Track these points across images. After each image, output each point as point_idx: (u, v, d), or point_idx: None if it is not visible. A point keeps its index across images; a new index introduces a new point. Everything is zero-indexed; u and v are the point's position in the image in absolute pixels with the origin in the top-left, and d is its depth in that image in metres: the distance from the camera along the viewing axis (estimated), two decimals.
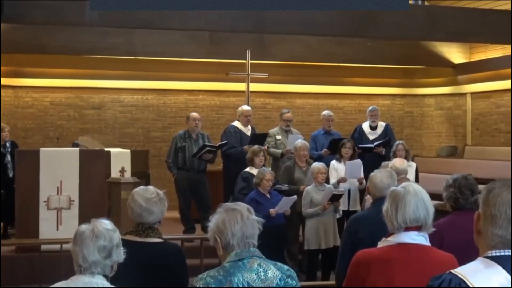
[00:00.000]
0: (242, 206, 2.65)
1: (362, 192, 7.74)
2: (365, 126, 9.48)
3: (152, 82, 12.41)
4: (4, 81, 11.30)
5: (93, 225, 2.75)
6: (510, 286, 1.78)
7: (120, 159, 8.17)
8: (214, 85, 12.56)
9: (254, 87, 10.82)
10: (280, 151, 8.71)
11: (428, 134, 14.01)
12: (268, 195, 7.06)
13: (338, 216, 7.52)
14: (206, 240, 7.04)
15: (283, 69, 12.52)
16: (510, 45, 10.23)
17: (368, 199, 5.61)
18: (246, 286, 2.52)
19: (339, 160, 8.15)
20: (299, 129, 9.77)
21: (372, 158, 8.65)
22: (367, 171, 5.71)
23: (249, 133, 8.94)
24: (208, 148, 8.55)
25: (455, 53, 13.02)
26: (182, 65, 12.17)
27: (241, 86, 10.89)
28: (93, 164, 7.68)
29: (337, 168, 8.08)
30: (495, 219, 1.84)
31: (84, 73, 12.05)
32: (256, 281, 2.53)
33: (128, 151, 8.72)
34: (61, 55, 11.43)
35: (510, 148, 10.71)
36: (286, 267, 2.67)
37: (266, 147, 8.53)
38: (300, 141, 8.09)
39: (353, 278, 2.92)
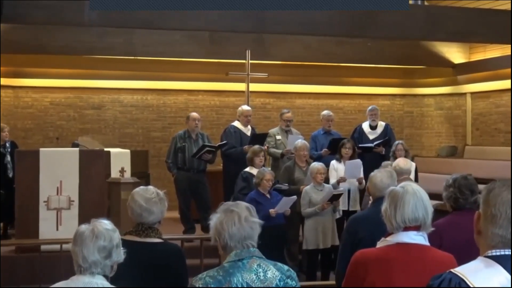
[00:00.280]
0: (241, 207, 2.63)
1: (362, 192, 7.74)
2: (365, 126, 9.47)
3: (152, 82, 12.41)
4: (4, 81, 11.30)
5: (93, 225, 2.75)
6: (510, 285, 1.78)
7: (120, 159, 8.17)
8: (214, 85, 12.56)
9: (254, 87, 10.82)
10: (280, 151, 8.71)
11: (428, 134, 14.01)
12: (268, 195, 7.06)
13: (338, 216, 7.52)
14: (206, 240, 7.10)
15: (283, 69, 12.52)
16: (509, 45, 10.24)
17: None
18: (245, 287, 2.52)
19: (339, 160, 8.15)
20: (299, 129, 9.77)
21: (372, 158, 8.65)
22: (367, 171, 5.70)
23: (249, 133, 8.94)
24: (207, 148, 8.54)
25: (454, 53, 13.03)
26: (182, 65, 12.17)
27: (241, 86, 10.89)
28: (93, 164, 7.68)
29: (337, 168, 8.08)
30: (495, 218, 1.84)
31: (84, 73, 12.05)
32: (255, 281, 2.53)
33: (128, 151, 8.71)
34: (61, 55, 11.43)
35: (509, 148, 10.71)
36: (286, 267, 2.66)
37: (266, 147, 8.52)
38: (300, 141, 8.09)
39: (352, 278, 2.92)
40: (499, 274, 1.79)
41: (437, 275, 1.88)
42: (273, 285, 2.56)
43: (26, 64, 11.68)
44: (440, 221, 4.01)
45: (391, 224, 2.84)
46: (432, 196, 6.68)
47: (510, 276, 1.78)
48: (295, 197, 7.19)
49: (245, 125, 9.02)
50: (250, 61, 10.32)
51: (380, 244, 2.88)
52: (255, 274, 2.54)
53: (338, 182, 7.83)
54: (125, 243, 2.88)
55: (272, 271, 2.58)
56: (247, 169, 7.60)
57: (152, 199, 3.46)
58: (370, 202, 6.46)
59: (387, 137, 9.10)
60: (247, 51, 10.28)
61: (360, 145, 8.87)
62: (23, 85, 11.99)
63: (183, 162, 8.69)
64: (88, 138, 10.28)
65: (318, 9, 9.02)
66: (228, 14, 9.00)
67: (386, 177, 4.27)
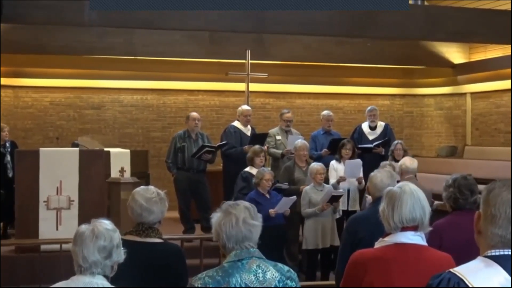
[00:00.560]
0: (240, 209, 2.62)
1: (362, 192, 7.74)
2: (365, 126, 9.47)
3: (152, 82, 12.41)
4: (4, 81, 11.30)
5: (93, 225, 2.75)
6: (509, 285, 1.78)
7: (120, 159, 8.17)
8: (214, 85, 12.57)
9: (253, 87, 10.82)
10: (280, 151, 8.71)
11: (428, 134, 14.02)
12: (267, 195, 7.06)
13: (337, 216, 7.52)
14: (205, 240, 7.11)
15: (283, 69, 12.52)
16: (510, 45, 10.24)
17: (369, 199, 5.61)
18: (244, 287, 2.52)
19: (338, 160, 8.15)
20: (299, 129, 9.76)
21: (372, 158, 8.65)
22: (367, 172, 5.70)
23: (249, 133, 8.94)
24: (207, 149, 8.54)
25: (454, 53, 13.03)
26: (182, 65, 12.17)
27: (240, 86, 10.89)
28: (93, 164, 7.68)
29: (337, 168, 8.08)
30: (495, 218, 1.84)
31: (84, 73, 12.05)
32: (254, 282, 2.53)
33: (127, 151, 8.71)
34: (61, 55, 11.43)
35: (509, 148, 10.72)
36: (286, 268, 2.66)
37: (266, 147, 8.52)
38: (300, 141, 8.09)
39: (350, 278, 2.92)
40: (498, 274, 1.79)
41: (436, 275, 1.88)
42: (272, 286, 2.56)
43: (26, 64, 11.68)
44: (440, 221, 4.01)
45: (389, 225, 2.84)
46: (432, 196, 6.69)
47: (509, 276, 1.78)
48: (294, 197, 7.19)
49: (245, 125, 9.02)
50: (250, 61, 10.33)
51: (378, 244, 2.89)
52: (254, 275, 2.54)
53: (338, 181, 7.84)
54: (125, 243, 2.87)
55: (272, 272, 2.58)
56: (247, 169, 7.60)
57: (153, 198, 3.46)
58: (367, 202, 6.50)
59: (386, 138, 9.09)
60: (247, 51, 10.28)
61: (359, 146, 8.86)
62: (23, 85, 11.99)
63: (183, 162, 8.68)
64: (88, 138, 10.28)
65: (318, 9, 9.02)
66: (228, 14, 9.01)
67: (386, 177, 4.27)
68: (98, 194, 7.58)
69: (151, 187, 3.59)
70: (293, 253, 7.79)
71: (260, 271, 2.55)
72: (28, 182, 7.45)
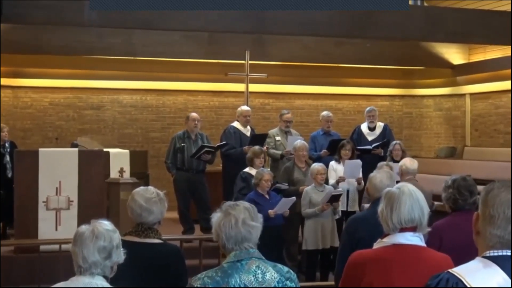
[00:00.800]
0: (239, 210, 2.62)
1: (361, 192, 7.74)
2: (364, 127, 9.47)
3: (151, 83, 12.41)
4: (3, 81, 11.30)
5: (93, 225, 2.75)
6: (508, 286, 1.78)
7: (119, 160, 8.16)
8: (213, 85, 12.57)
9: (253, 87, 10.82)
10: (279, 152, 8.71)
11: (427, 135, 14.02)
12: (267, 196, 7.06)
13: (337, 217, 7.52)
14: (205, 241, 7.10)
15: (282, 69, 12.53)
16: (509, 46, 10.24)
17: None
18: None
19: (338, 161, 8.16)
20: (298, 130, 9.76)
21: (371, 159, 8.64)
22: (366, 173, 5.70)
23: (248, 134, 8.94)
24: (206, 149, 8.54)
25: (454, 54, 13.03)
26: (181, 66, 12.18)
27: (240, 87, 10.89)
28: (92, 165, 7.67)
29: (336, 169, 8.08)
30: (493, 219, 1.85)
31: (83, 74, 12.06)
32: (253, 282, 2.53)
33: (127, 151, 8.71)
34: (60, 56, 11.44)
35: (509, 148, 10.72)
36: (286, 269, 2.66)
37: (265, 148, 8.52)
38: (299, 142, 8.09)
39: (349, 279, 2.92)
40: (497, 274, 1.80)
41: (435, 275, 1.89)
42: (272, 287, 2.55)
43: (26, 64, 11.68)
44: (440, 222, 4.02)
45: (387, 225, 2.84)
46: (431, 197, 6.68)
47: (507, 277, 1.78)
48: (294, 198, 7.19)
49: (245, 126, 9.03)
50: (250, 62, 10.33)
51: (376, 245, 2.89)
52: (253, 276, 2.54)
53: (338, 181, 7.84)
54: (124, 244, 2.87)
55: (271, 273, 2.58)
56: (246, 170, 7.60)
57: (152, 199, 3.46)
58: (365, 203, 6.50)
59: (385, 139, 9.09)
60: (246, 52, 10.28)
61: (358, 148, 8.84)
62: (22, 85, 11.99)
63: (182, 163, 8.68)
64: (87, 139, 10.27)
65: (318, 9, 9.02)
66: (228, 14, 9.01)
67: (385, 178, 4.27)
68: (98, 195, 7.58)
69: (150, 187, 3.59)
70: (292, 253, 7.79)
71: (259, 271, 2.55)
72: (28, 182, 7.44)
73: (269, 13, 9.10)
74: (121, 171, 7.87)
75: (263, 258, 2.61)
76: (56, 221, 7.44)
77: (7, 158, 8.95)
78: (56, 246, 6.60)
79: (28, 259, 7.16)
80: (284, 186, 7.62)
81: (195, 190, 8.67)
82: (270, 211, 6.84)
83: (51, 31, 10.71)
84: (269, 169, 7.78)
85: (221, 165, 9.28)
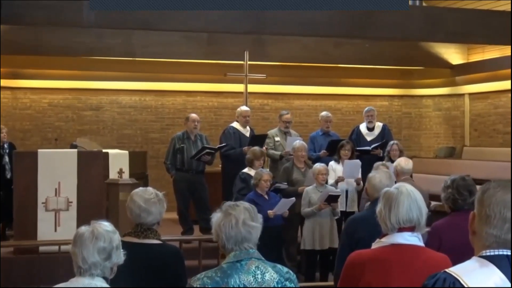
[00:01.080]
0: (239, 210, 2.62)
1: (360, 193, 7.74)
2: (362, 127, 9.47)
3: (150, 83, 12.41)
4: (3, 82, 11.29)
5: (93, 226, 2.75)
6: (504, 285, 1.78)
7: (118, 161, 8.17)
8: (212, 86, 12.57)
9: (252, 88, 10.82)
10: (278, 153, 8.71)
11: (426, 135, 14.02)
12: (266, 196, 7.06)
13: (336, 217, 7.51)
14: (204, 241, 7.10)
15: (281, 70, 12.53)
16: (509, 46, 10.25)
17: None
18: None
19: (337, 161, 8.15)
20: (297, 130, 9.76)
21: (370, 159, 8.63)
22: (365, 173, 5.71)
23: (248, 134, 8.94)
24: (207, 150, 8.54)
25: (453, 54, 13.04)
26: (180, 66, 12.18)
27: (239, 87, 10.88)
28: (91, 166, 7.67)
29: (335, 169, 8.08)
30: (489, 219, 1.85)
31: (82, 75, 12.05)
32: (253, 283, 2.53)
33: (126, 152, 8.71)
34: (59, 56, 11.44)
35: (508, 148, 10.72)
36: (285, 269, 2.66)
37: (265, 148, 8.52)
38: (298, 142, 8.09)
39: (347, 279, 2.92)
40: (494, 274, 1.80)
41: (432, 275, 1.89)
42: (271, 287, 2.55)
43: (25, 65, 11.68)
44: (439, 222, 4.02)
45: (386, 225, 2.85)
46: (431, 197, 6.68)
47: (504, 276, 1.79)
48: (293, 198, 7.19)
49: (244, 126, 9.03)
50: (249, 62, 10.33)
51: (375, 245, 2.89)
52: (252, 276, 2.54)
53: (337, 181, 7.84)
54: (124, 245, 2.87)
55: (271, 273, 2.58)
56: (245, 170, 7.60)
57: (151, 199, 3.46)
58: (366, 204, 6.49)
59: (384, 140, 9.08)
60: (245, 52, 10.28)
61: (357, 149, 8.83)
62: (21, 86, 11.99)
63: (182, 163, 8.68)
64: (86, 139, 10.28)
65: (318, 9, 9.03)
66: (227, 14, 9.01)
67: (385, 178, 4.27)
68: (97, 195, 7.57)
69: (149, 188, 3.59)
70: (292, 254, 7.79)
71: (259, 272, 2.56)
72: (27, 183, 7.44)
73: (269, 13, 9.10)
74: (120, 172, 7.87)
75: (263, 258, 2.61)
76: (55, 222, 7.43)
77: (6, 159, 8.95)
78: (56, 247, 6.60)
79: (27, 260, 7.15)
80: (284, 185, 7.62)
81: (195, 190, 8.67)
82: (270, 212, 6.83)
83: (50, 31, 10.70)
84: (268, 170, 7.78)
85: (220, 165, 9.29)
